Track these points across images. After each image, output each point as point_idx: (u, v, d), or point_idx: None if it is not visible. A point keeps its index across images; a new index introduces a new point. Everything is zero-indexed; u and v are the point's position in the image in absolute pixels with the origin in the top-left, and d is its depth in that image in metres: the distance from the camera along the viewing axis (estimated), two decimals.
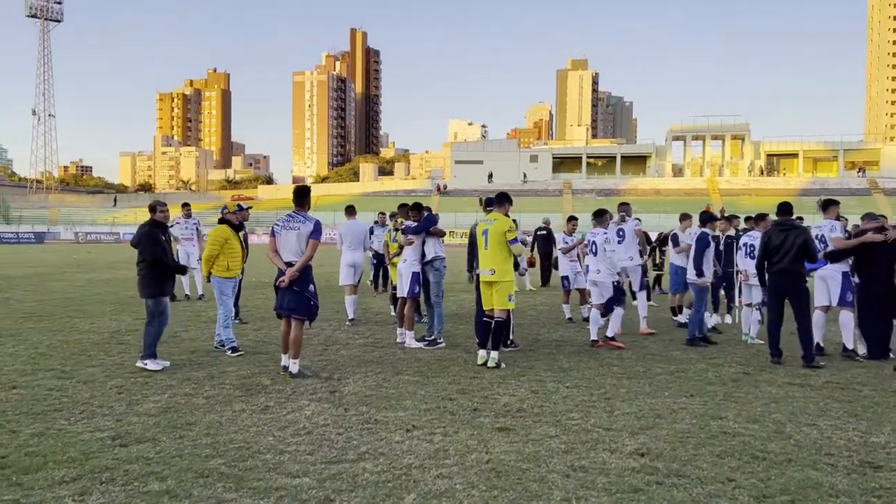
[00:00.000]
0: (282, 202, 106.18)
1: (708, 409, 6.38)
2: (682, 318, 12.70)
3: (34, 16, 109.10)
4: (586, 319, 12.25)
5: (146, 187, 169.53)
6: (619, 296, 9.92)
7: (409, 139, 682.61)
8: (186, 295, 15.27)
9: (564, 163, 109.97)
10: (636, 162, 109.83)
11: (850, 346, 9.08)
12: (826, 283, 9.36)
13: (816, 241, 9.59)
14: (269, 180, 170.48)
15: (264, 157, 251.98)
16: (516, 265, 14.59)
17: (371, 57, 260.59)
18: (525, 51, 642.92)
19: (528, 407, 6.36)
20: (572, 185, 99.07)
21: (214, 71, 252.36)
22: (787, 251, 8.60)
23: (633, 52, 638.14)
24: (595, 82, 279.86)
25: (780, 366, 8.39)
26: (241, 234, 9.81)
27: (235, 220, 9.41)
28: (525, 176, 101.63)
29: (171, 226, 15.05)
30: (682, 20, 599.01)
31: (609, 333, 9.85)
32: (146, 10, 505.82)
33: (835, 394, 7.13)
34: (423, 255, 9.76)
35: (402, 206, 11.30)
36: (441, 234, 9.84)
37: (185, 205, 15.21)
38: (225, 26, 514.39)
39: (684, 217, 12.17)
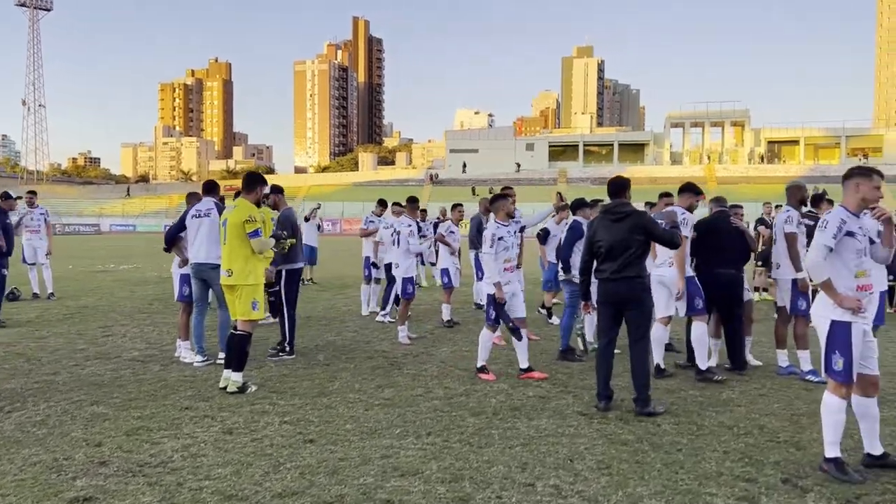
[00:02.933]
0: None
1: (416, 460, 4.85)
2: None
3: (23, 4, 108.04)
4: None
5: (145, 178, 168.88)
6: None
7: (416, 129, 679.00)
8: (35, 293, 13.85)
9: (566, 151, 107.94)
10: (635, 150, 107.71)
11: (703, 365, 7.33)
12: (668, 288, 7.66)
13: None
14: (269, 171, 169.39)
15: (267, 147, 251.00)
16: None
17: (374, 46, 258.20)
18: (533, 39, 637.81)
19: (178, 458, 4.85)
20: (568, 174, 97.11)
21: (216, 60, 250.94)
22: (621, 247, 6.24)
23: (641, 39, 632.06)
24: (601, 70, 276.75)
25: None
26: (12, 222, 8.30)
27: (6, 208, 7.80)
28: (519, 165, 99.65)
29: (21, 217, 13.70)
30: (690, 4, 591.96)
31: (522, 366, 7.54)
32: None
33: (621, 430, 5.60)
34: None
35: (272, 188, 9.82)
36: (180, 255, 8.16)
37: (31, 192, 13.78)
38: (226, 15, 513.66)
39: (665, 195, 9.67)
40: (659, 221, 7.78)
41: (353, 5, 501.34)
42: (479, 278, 11.52)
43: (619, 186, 6.45)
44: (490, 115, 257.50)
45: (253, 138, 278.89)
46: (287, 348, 8.45)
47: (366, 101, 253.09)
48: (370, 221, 12.36)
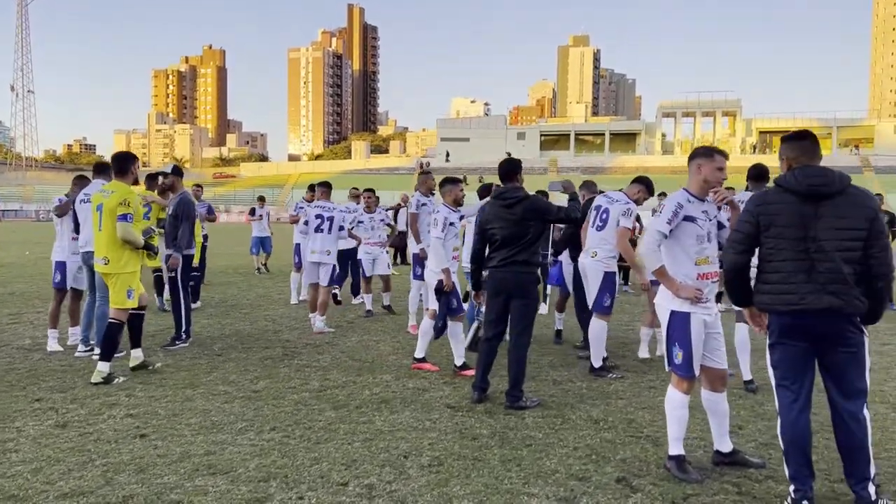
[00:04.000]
0: (264, 180, 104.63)
1: (238, 458, 4.59)
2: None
3: None
4: None
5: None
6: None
7: (412, 117, 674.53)
8: None
9: (559, 141, 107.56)
10: (627, 139, 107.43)
11: (597, 363, 7.03)
12: (587, 277, 7.38)
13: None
14: (262, 158, 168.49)
15: (261, 135, 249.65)
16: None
17: (369, 33, 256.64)
18: (530, 27, 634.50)
19: None
20: (558, 164, 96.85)
21: (210, 47, 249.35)
22: (514, 234, 5.87)
23: (638, 28, 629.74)
24: (597, 59, 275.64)
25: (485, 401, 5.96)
26: None
27: None
28: (509, 154, 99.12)
29: None
30: None
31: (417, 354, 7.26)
32: None
33: (481, 424, 5.33)
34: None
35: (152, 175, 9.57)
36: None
37: None
38: (220, 1, 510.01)
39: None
40: (555, 193, 7.45)
41: None
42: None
43: (509, 169, 6.06)
44: (486, 104, 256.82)
45: (248, 126, 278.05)
46: (183, 336, 8.20)
47: (360, 89, 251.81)
48: (300, 208, 12.08)
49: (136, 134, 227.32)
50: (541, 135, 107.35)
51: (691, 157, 4.51)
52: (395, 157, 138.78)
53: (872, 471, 3.77)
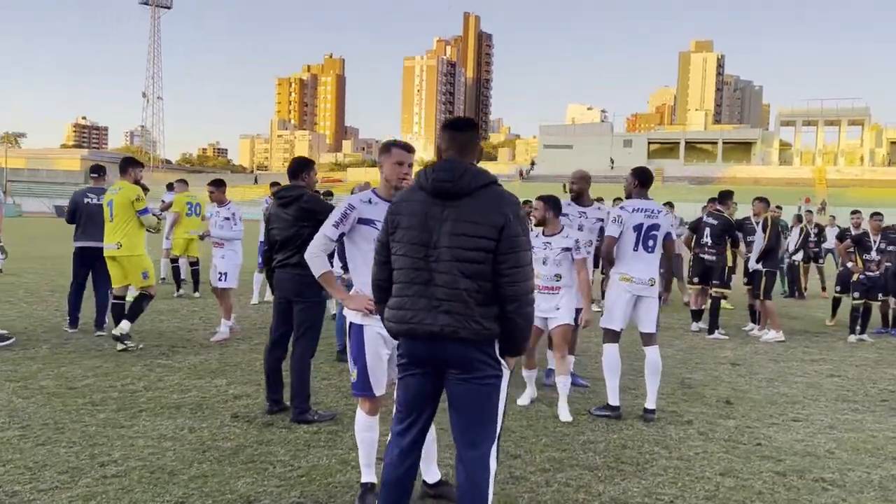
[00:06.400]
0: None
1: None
2: None
3: (146, 3, 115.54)
4: None
5: (259, 168, 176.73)
6: None
7: (527, 124, 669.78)
8: None
9: (673, 149, 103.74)
10: (744, 148, 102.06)
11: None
12: None
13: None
14: (374, 164, 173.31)
15: (376, 141, 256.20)
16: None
17: (483, 41, 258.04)
18: (652, 32, 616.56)
19: None
20: (665, 172, 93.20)
21: (331, 56, 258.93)
22: (290, 235, 5.52)
23: (767, 33, 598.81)
24: (720, 65, 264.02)
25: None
26: None
27: None
28: (612, 161, 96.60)
29: None
30: None
31: None
32: None
33: (239, 435, 5.03)
34: None
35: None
36: None
37: None
38: (341, 12, 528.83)
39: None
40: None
41: (465, 2, 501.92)
42: None
43: (296, 167, 5.75)
44: (603, 111, 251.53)
45: (364, 133, 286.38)
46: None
47: (473, 96, 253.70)
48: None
49: (259, 139, 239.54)
50: (648, 142, 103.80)
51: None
52: (503, 164, 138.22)
53: None
